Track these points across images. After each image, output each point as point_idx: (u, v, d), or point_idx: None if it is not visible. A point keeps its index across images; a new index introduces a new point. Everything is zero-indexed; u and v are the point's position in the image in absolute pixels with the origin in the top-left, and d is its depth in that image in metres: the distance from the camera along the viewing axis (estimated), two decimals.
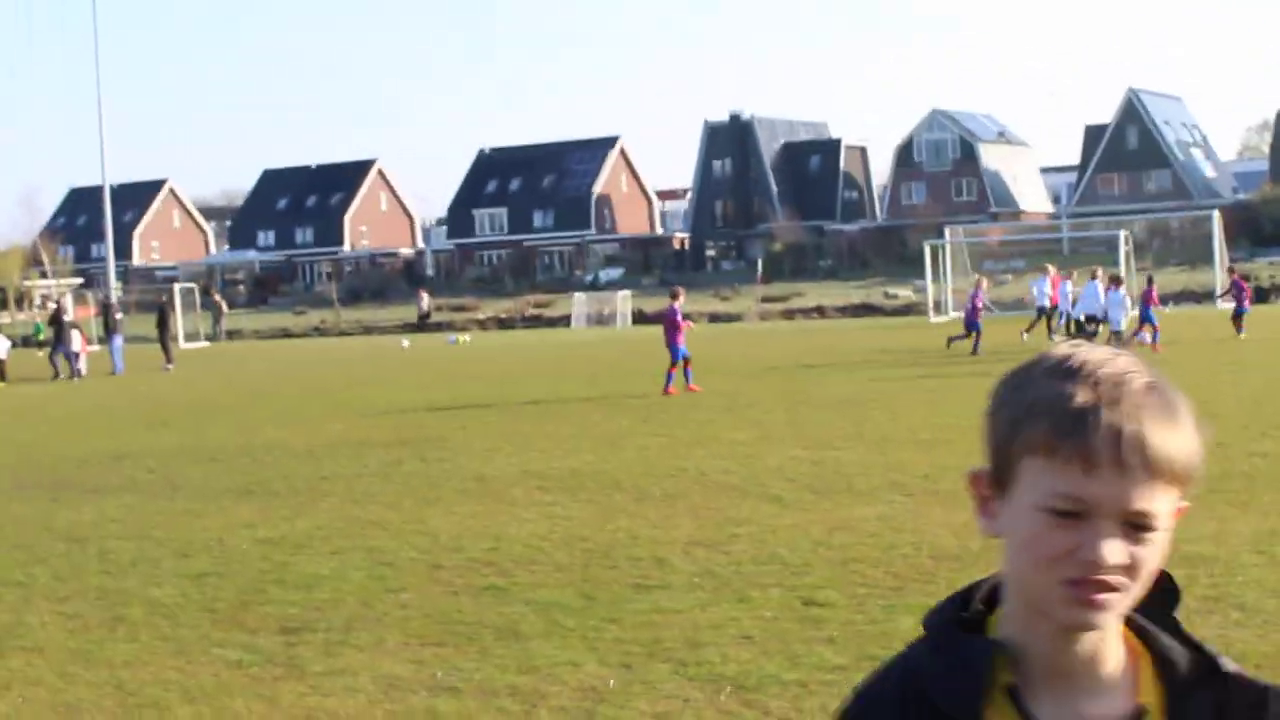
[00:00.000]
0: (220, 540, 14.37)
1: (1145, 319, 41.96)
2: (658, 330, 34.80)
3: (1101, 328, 39.35)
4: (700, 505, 15.19)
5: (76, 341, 48.52)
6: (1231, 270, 52.52)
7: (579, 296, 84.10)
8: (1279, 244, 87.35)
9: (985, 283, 46.71)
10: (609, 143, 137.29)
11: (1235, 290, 47.15)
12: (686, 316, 32.52)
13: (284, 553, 13.51)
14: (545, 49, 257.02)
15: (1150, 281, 43.80)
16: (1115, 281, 41.58)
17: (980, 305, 43.08)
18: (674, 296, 32.58)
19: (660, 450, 20.27)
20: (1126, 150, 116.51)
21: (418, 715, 8.27)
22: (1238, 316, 45.22)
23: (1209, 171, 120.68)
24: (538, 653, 9.40)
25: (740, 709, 8.19)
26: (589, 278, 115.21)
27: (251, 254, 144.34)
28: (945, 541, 12.46)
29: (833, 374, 34.19)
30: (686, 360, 30.96)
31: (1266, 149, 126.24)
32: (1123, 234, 61.17)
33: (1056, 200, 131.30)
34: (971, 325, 40.20)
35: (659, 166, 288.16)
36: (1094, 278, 41.77)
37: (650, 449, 20.48)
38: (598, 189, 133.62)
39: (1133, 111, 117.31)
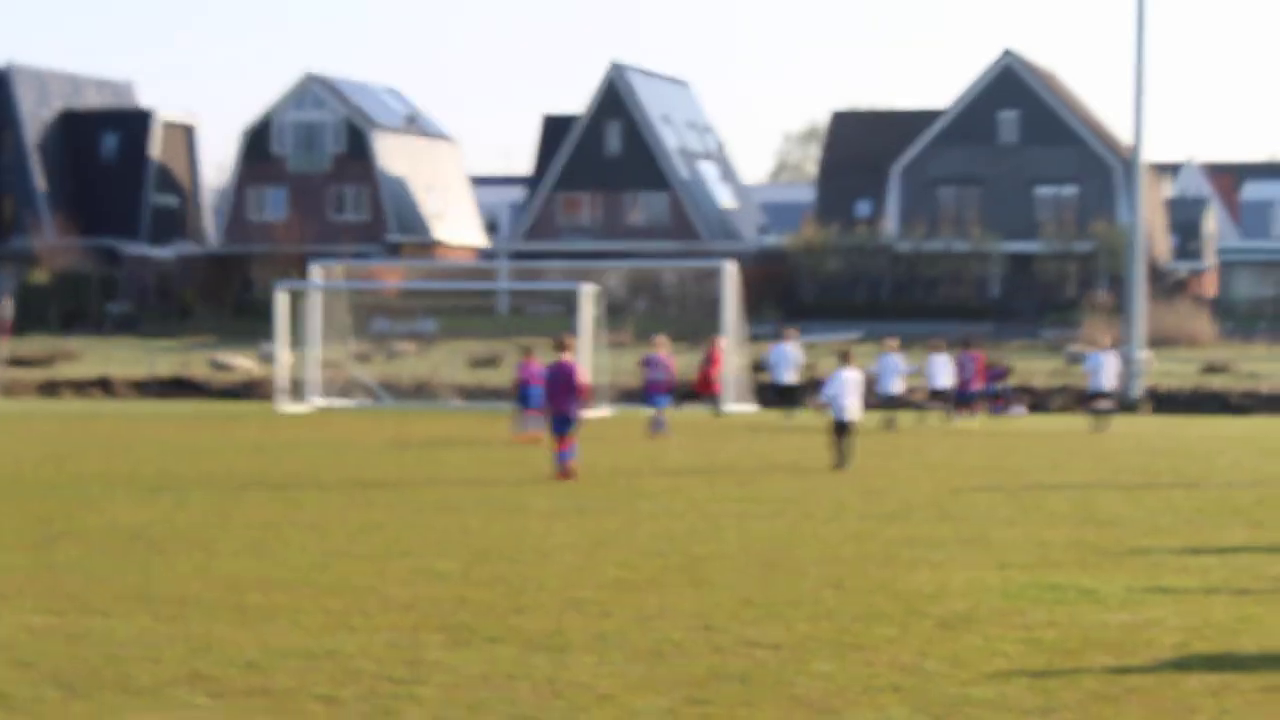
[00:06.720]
0: None
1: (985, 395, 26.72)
2: None
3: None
4: None
5: None
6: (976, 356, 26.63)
7: None
8: (826, 315, 44.09)
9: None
10: None
11: (991, 375, 27.68)
12: None
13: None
14: None
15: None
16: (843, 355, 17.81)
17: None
18: None
19: None
20: (604, 158, 55.86)
21: None
22: (991, 397, 27.66)
23: (725, 200, 60.16)
24: None
25: None
26: None
27: None
28: None
29: (130, 493, 15.38)
30: None
31: (814, 169, 60.12)
32: (587, 288, 28.27)
33: (494, 230, 67.46)
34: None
35: None
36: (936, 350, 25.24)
37: None
38: None
39: (615, 99, 55.58)
